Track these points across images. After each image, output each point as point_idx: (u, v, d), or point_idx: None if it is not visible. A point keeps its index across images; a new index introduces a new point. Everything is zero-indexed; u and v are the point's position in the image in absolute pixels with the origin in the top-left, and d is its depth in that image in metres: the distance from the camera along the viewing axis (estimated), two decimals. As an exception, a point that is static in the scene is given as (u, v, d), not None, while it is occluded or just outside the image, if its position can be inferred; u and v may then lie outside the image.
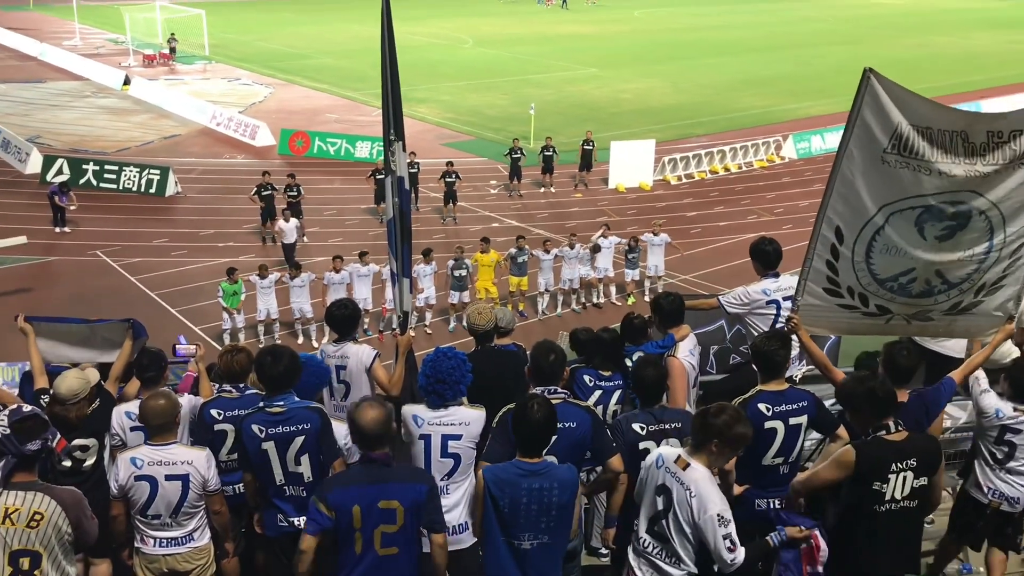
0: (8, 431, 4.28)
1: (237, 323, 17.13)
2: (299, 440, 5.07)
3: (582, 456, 5.22)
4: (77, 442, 5.72)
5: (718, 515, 4.37)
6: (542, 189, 27.12)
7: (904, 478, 4.59)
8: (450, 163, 24.53)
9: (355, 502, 4.33)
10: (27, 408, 4.49)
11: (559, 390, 5.27)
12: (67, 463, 5.78)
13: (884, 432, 4.69)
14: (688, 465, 4.43)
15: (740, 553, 4.38)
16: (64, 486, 4.51)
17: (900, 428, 4.71)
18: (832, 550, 4.91)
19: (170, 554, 5.16)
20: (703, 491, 4.39)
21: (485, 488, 4.49)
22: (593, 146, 26.89)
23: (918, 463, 4.61)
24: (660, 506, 4.45)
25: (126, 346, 6.46)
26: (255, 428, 5.06)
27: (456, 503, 5.07)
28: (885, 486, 4.59)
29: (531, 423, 4.50)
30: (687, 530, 4.42)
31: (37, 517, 4.09)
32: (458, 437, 5.06)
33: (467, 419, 5.09)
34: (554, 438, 4.89)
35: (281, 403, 5.09)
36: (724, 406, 4.55)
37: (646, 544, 4.54)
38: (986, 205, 5.47)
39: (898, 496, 4.61)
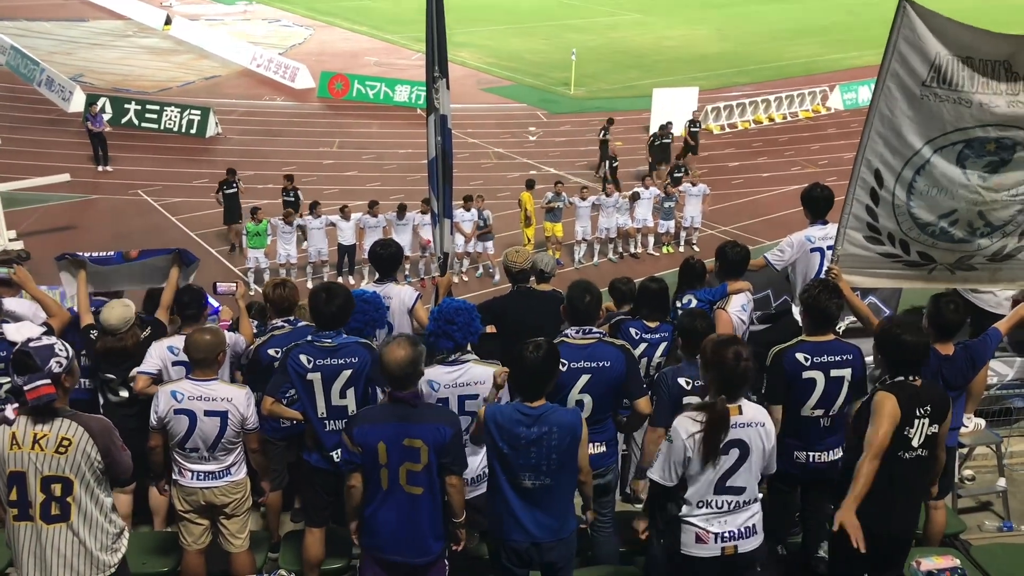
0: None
1: (261, 263, 17.13)
2: (346, 373, 5.08)
3: (617, 394, 5.18)
4: (136, 371, 5.75)
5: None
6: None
7: (923, 424, 4.48)
8: None
9: (379, 438, 4.33)
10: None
11: (594, 329, 5.19)
12: (124, 393, 5.84)
13: (904, 377, 4.55)
14: (739, 408, 4.30)
15: None
16: (95, 415, 4.48)
17: (916, 378, 4.56)
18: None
19: (207, 487, 5.21)
20: (764, 417, 4.40)
21: (485, 427, 4.46)
22: (671, 138, 23.48)
23: (932, 410, 4.49)
24: (733, 460, 4.29)
25: (173, 273, 6.46)
26: (303, 358, 5.07)
27: (474, 455, 5.01)
28: (912, 431, 4.46)
29: (527, 366, 4.42)
30: (763, 462, 4.39)
31: (65, 443, 4.07)
32: (475, 397, 5.01)
33: (481, 378, 5.02)
34: (587, 377, 4.92)
35: (330, 338, 5.10)
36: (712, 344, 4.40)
37: (714, 504, 4.33)
38: None
39: (915, 444, 4.49)
